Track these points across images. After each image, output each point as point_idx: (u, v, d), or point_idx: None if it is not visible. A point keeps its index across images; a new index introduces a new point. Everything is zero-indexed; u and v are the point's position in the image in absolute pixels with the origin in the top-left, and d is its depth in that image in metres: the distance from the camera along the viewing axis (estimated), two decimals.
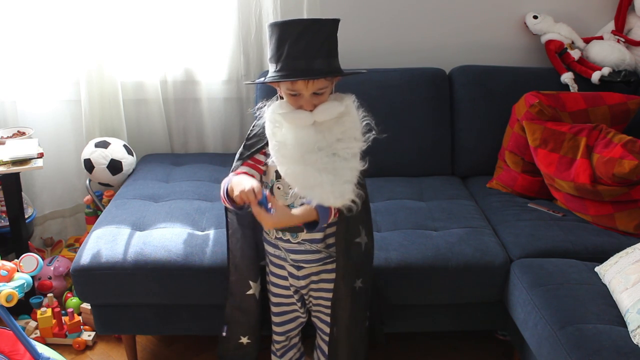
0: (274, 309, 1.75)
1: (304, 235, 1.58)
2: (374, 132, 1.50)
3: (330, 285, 1.64)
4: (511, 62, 2.64)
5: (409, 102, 2.46)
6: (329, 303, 1.67)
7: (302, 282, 1.68)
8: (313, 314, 1.76)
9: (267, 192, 1.44)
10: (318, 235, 1.60)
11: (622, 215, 2.03)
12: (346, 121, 1.48)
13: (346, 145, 1.46)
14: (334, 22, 1.46)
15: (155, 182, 2.34)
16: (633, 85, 2.51)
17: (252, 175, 1.54)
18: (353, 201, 1.44)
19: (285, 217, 1.46)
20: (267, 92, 2.42)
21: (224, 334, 1.78)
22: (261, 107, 1.51)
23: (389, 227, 2.05)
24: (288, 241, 1.61)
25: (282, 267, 1.68)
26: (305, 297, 1.74)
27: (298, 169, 1.43)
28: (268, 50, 1.47)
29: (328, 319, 1.69)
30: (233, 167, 1.58)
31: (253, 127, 1.58)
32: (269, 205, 1.42)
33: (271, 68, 1.47)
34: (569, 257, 1.89)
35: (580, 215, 2.13)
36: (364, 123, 1.51)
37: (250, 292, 1.70)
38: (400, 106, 2.45)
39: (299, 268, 1.65)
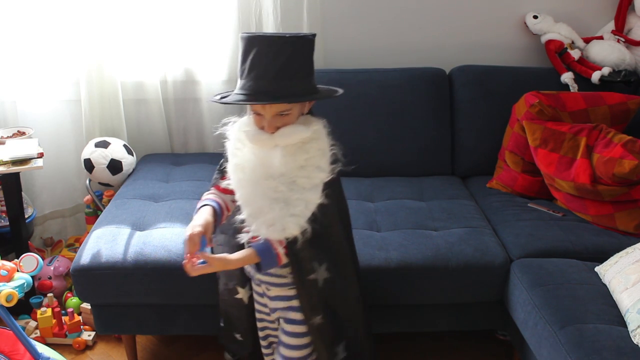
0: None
1: None
2: (340, 164, 1.40)
3: (290, 327, 1.57)
4: (511, 62, 2.64)
5: (409, 102, 2.46)
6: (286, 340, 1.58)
7: (274, 304, 1.59)
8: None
9: (208, 238, 1.39)
10: None
11: (622, 215, 2.03)
12: (312, 148, 1.38)
13: (308, 174, 1.37)
14: (306, 40, 1.37)
15: (155, 182, 2.34)
16: (633, 85, 2.51)
17: (220, 202, 1.50)
18: (304, 234, 1.36)
19: (220, 266, 1.39)
20: None
21: (221, 324, 1.76)
22: (226, 123, 1.45)
23: (389, 227, 2.05)
24: None
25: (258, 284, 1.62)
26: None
27: (251, 194, 1.37)
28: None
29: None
30: (211, 182, 1.54)
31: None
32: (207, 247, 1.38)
33: (237, 84, 1.40)
34: (569, 257, 1.89)
35: (580, 215, 2.13)
36: (332, 152, 1.41)
37: (239, 296, 1.66)
38: (400, 106, 2.45)
39: (268, 289, 1.58)
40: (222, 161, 1.52)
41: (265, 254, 1.40)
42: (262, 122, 1.38)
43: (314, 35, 1.38)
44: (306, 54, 1.38)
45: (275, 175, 1.36)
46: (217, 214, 1.48)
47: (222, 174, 1.50)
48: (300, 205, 1.36)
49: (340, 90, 1.50)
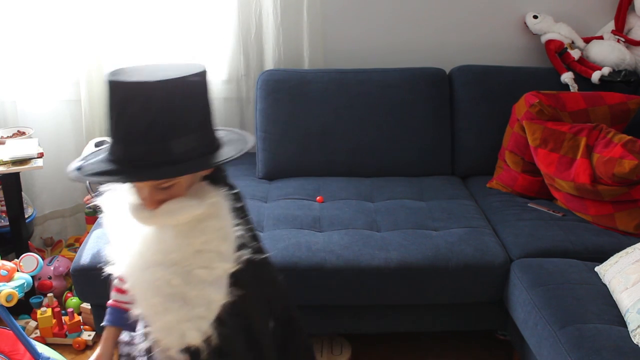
0: None
1: None
2: (251, 249, 1.09)
3: None
4: (511, 62, 2.64)
5: (409, 102, 2.46)
6: None
7: None
8: None
9: None
10: None
11: (622, 215, 2.03)
12: (209, 228, 1.06)
13: (206, 263, 1.04)
14: (190, 81, 1.01)
15: None
16: (633, 85, 2.51)
17: (123, 312, 1.21)
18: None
19: None
20: (268, 90, 2.42)
21: None
22: (101, 193, 1.15)
23: (389, 227, 2.05)
24: None
25: None
26: None
27: (141, 287, 1.06)
28: None
29: None
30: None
31: None
32: None
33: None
34: (569, 257, 1.89)
35: (580, 215, 2.13)
36: (238, 234, 1.08)
37: None
38: (400, 106, 2.45)
39: None
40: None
41: None
42: (141, 194, 1.06)
43: (202, 73, 1.05)
44: (195, 97, 1.04)
45: (167, 262, 1.04)
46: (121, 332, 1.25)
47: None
48: (202, 305, 1.04)
49: (250, 142, 1.15)
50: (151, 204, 1.05)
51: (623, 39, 2.60)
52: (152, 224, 1.07)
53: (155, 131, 0.99)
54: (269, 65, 2.57)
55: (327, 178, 2.39)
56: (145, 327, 1.09)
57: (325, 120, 2.41)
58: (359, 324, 2.04)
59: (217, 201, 1.08)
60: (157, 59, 2.56)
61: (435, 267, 1.89)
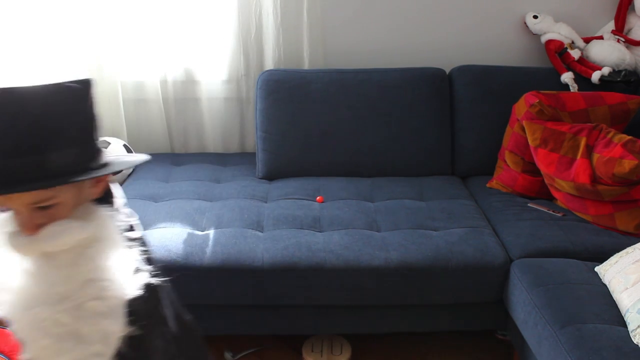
0: None
1: None
2: (148, 273, 0.99)
3: None
4: (511, 62, 2.64)
5: (409, 102, 2.46)
6: None
7: None
8: None
9: None
10: None
11: (622, 215, 2.03)
12: (98, 253, 0.95)
13: (98, 293, 0.93)
14: (67, 88, 0.98)
15: (155, 182, 2.34)
16: (633, 85, 2.51)
17: None
18: None
19: None
20: (269, 90, 2.42)
21: None
22: None
23: (389, 227, 2.05)
24: None
25: None
26: None
27: (26, 329, 0.94)
28: None
29: None
30: None
31: None
32: None
33: None
34: (569, 257, 1.89)
35: (580, 215, 2.13)
36: (133, 256, 0.99)
37: None
38: (400, 106, 2.45)
39: None
40: None
41: None
42: (17, 220, 0.94)
43: (86, 81, 1.02)
44: (76, 106, 0.97)
45: (53, 298, 0.92)
46: None
47: None
48: (97, 342, 0.93)
49: (139, 160, 1.09)
50: (30, 228, 0.92)
51: (623, 39, 2.60)
52: (31, 253, 0.93)
53: (29, 142, 0.89)
54: (269, 65, 2.57)
55: (327, 178, 2.39)
56: None
57: (325, 120, 2.41)
58: (359, 324, 2.04)
59: (106, 222, 0.98)
60: (157, 59, 2.56)
61: (435, 267, 1.89)
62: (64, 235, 0.92)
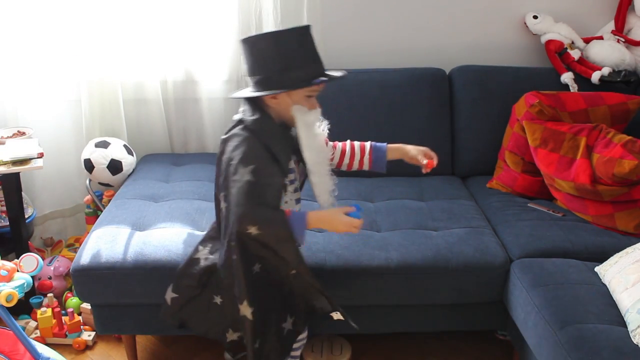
0: None
1: None
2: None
3: None
4: (511, 62, 2.64)
5: (409, 102, 2.46)
6: None
7: None
8: None
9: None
10: None
11: (622, 215, 2.03)
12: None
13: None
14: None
15: (155, 182, 2.34)
16: (633, 85, 2.51)
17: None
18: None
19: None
20: None
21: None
22: (260, 114, 1.57)
23: (389, 227, 2.05)
24: None
25: None
26: None
27: (325, 174, 1.58)
28: (272, 62, 1.49)
29: None
30: (265, 200, 1.50)
31: (247, 147, 1.53)
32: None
33: (282, 76, 1.48)
34: (569, 257, 1.89)
35: (580, 215, 2.13)
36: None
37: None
38: (400, 106, 2.45)
39: None
40: (259, 180, 1.49)
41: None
42: (312, 103, 1.54)
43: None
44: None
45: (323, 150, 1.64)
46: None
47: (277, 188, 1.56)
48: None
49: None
50: (314, 107, 1.55)
51: (623, 39, 2.60)
52: (320, 118, 1.59)
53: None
54: None
55: None
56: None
57: (325, 120, 2.40)
58: (359, 324, 2.04)
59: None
60: (157, 59, 2.56)
61: (435, 267, 1.89)
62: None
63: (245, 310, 1.56)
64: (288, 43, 1.47)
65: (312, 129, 1.56)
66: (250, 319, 1.56)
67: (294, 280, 1.64)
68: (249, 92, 1.55)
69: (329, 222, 1.55)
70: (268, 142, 1.52)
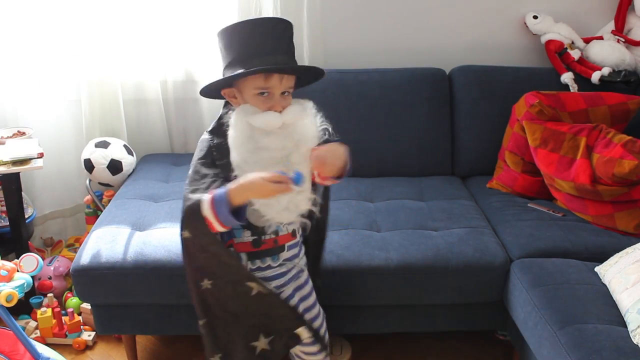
0: None
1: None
2: (329, 137, 1.45)
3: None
4: (511, 62, 2.64)
5: (409, 102, 2.46)
6: None
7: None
8: None
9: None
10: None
11: (622, 215, 2.03)
12: (303, 125, 1.40)
13: (301, 152, 1.37)
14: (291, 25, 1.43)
15: (155, 182, 2.34)
16: (633, 85, 2.51)
17: None
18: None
19: None
20: None
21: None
22: (225, 114, 1.42)
23: (389, 227, 2.05)
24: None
25: None
26: None
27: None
28: (225, 57, 1.40)
29: None
30: (197, 187, 1.37)
31: (216, 141, 1.42)
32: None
33: (226, 71, 1.39)
34: (569, 257, 1.89)
35: (580, 215, 2.13)
36: (322, 128, 1.44)
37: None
38: (400, 106, 2.45)
39: None
40: (203, 169, 1.39)
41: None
42: (268, 102, 1.37)
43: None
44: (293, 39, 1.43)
45: (279, 158, 1.37)
46: None
47: (218, 179, 1.38)
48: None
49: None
50: (279, 107, 1.37)
51: (623, 39, 2.60)
52: (279, 124, 1.37)
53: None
54: None
55: None
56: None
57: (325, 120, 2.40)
58: (359, 324, 2.04)
59: (310, 107, 1.43)
60: (157, 59, 2.56)
61: (435, 267, 1.89)
62: (298, 111, 1.39)
63: (199, 321, 1.48)
64: (239, 35, 1.35)
65: (257, 136, 1.36)
66: (202, 331, 1.49)
67: (257, 302, 1.45)
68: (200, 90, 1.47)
69: (252, 189, 1.30)
70: (223, 140, 1.41)
